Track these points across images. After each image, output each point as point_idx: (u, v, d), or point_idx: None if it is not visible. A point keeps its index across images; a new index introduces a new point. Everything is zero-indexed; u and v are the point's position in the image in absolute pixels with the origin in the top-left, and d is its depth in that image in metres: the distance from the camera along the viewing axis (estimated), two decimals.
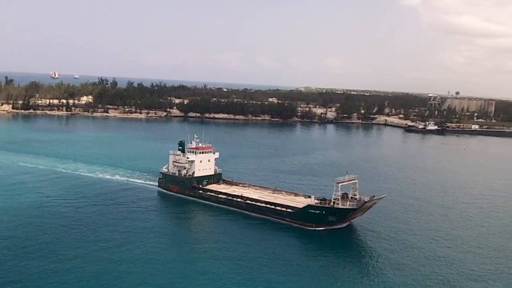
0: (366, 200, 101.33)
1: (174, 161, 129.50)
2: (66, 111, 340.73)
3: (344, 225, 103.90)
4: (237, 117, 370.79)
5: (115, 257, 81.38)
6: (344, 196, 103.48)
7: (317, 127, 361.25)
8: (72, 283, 71.04)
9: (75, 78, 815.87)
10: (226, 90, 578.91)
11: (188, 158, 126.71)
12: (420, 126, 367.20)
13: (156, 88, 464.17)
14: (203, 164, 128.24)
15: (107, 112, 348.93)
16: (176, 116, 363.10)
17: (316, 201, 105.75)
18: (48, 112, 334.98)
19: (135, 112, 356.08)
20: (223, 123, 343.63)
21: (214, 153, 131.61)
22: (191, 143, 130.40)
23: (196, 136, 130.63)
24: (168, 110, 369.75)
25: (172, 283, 73.32)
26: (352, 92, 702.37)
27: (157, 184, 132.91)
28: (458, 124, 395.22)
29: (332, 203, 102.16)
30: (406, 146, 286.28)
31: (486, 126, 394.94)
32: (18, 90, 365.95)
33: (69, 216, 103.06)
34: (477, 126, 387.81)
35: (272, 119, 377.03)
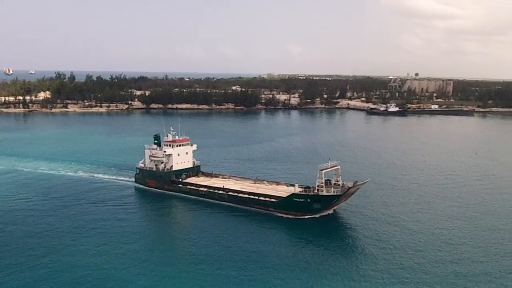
0: (350, 186, 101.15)
1: (150, 156, 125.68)
2: (23, 108, 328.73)
3: (330, 212, 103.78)
4: (200, 106, 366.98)
5: (91, 262, 76.92)
6: (327, 183, 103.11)
7: (282, 114, 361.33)
8: None
9: (31, 73, 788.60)
10: (188, 79, 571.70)
11: (165, 152, 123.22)
12: (382, 109, 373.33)
13: (116, 80, 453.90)
14: (181, 157, 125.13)
15: (67, 108, 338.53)
16: (138, 108, 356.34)
17: (300, 189, 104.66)
18: (4, 110, 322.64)
19: (96, 106, 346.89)
20: (187, 113, 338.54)
21: (191, 145, 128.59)
22: (166, 136, 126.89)
23: (172, 129, 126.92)
24: (130, 102, 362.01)
25: (155, 284, 70.27)
26: (314, 78, 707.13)
27: (133, 179, 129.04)
28: (418, 105, 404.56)
29: (316, 191, 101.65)
30: (370, 128, 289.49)
31: (445, 106, 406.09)
32: None
33: (35, 220, 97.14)
34: (436, 106, 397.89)
35: (236, 107, 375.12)
